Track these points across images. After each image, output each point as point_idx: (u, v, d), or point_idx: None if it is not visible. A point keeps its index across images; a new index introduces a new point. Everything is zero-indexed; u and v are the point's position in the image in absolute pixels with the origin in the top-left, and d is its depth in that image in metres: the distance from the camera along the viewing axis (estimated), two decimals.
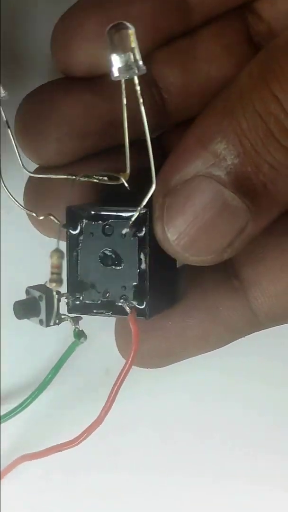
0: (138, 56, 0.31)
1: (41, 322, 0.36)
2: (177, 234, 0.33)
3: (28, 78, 0.39)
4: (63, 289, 0.35)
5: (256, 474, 0.46)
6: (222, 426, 0.46)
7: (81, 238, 0.35)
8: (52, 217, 0.35)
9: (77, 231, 0.35)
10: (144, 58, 0.31)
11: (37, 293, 0.36)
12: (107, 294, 0.35)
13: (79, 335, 0.37)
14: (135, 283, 0.35)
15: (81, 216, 0.35)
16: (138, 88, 0.31)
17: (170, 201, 0.33)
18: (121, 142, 0.37)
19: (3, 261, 0.44)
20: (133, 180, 0.34)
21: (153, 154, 0.33)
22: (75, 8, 0.37)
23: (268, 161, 0.31)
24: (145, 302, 0.34)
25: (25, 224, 0.38)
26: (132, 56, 0.30)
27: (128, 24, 0.30)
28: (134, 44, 0.30)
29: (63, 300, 0.35)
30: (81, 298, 0.35)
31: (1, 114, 0.33)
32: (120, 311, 0.35)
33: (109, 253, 0.35)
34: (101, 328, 0.38)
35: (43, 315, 0.35)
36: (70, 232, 0.35)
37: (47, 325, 0.35)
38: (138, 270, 0.34)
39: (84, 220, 0.35)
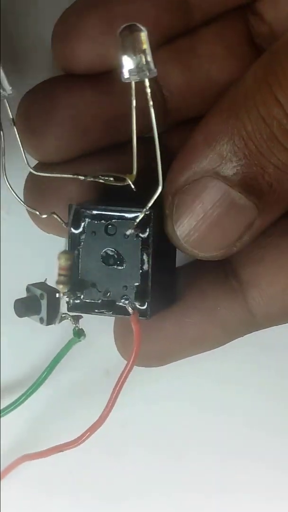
0: (149, 58, 0.31)
1: (41, 320, 0.35)
2: (187, 232, 0.34)
3: (29, 75, 0.39)
4: None
5: (256, 482, 0.47)
6: (222, 426, 0.46)
7: (82, 237, 0.35)
8: (55, 216, 0.35)
9: (80, 230, 0.35)
10: None
11: (38, 291, 0.35)
12: (108, 294, 0.35)
13: (79, 333, 0.37)
14: (137, 284, 0.35)
15: (83, 215, 0.35)
16: (148, 90, 0.31)
17: (179, 200, 0.34)
18: (122, 140, 0.37)
19: (3, 259, 0.44)
20: (135, 179, 0.34)
21: (153, 153, 0.33)
22: (76, 5, 0.37)
23: (273, 162, 0.32)
24: (146, 303, 0.35)
25: (25, 221, 0.38)
26: (143, 58, 0.30)
27: (141, 26, 0.30)
28: (146, 46, 0.30)
29: (64, 299, 0.35)
30: (81, 297, 0.35)
31: (8, 112, 0.33)
32: (120, 311, 0.35)
33: (111, 253, 0.35)
34: (101, 329, 0.38)
35: (43, 314, 0.35)
36: (72, 231, 0.35)
37: (48, 323, 0.35)
38: (140, 271, 0.34)
39: (86, 219, 0.35)
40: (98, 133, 0.37)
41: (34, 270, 0.37)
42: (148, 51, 0.30)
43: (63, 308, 0.36)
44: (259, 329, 0.39)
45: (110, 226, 0.35)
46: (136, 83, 0.32)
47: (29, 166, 0.35)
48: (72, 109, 0.37)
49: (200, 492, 0.46)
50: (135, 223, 0.34)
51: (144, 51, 0.30)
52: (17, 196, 0.35)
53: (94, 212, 0.35)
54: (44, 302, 0.35)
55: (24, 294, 0.36)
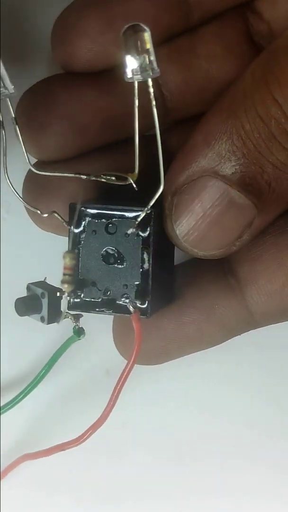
0: (153, 58, 0.31)
1: (42, 319, 0.35)
2: (186, 231, 0.34)
3: (29, 73, 0.39)
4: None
5: (256, 483, 0.47)
6: (222, 426, 0.46)
7: (83, 235, 0.35)
8: (56, 215, 0.35)
9: (80, 229, 0.35)
10: None
11: (39, 290, 0.35)
12: (108, 292, 0.35)
13: (79, 332, 0.37)
14: (137, 282, 0.35)
15: (84, 213, 0.35)
16: (151, 90, 0.31)
17: (178, 199, 0.34)
18: (121, 138, 0.37)
19: (3, 259, 0.44)
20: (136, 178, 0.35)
21: (152, 152, 0.33)
22: (76, 4, 0.37)
23: (272, 162, 0.32)
24: (147, 301, 0.35)
25: (25, 221, 0.38)
26: (147, 58, 0.30)
27: (145, 26, 0.30)
28: (149, 46, 0.30)
29: (64, 297, 0.35)
30: (81, 295, 0.35)
31: (10, 111, 0.33)
32: (120, 310, 0.35)
33: (111, 252, 0.35)
34: (101, 328, 0.38)
35: (44, 313, 0.35)
36: (72, 230, 0.35)
37: (49, 322, 0.35)
38: (141, 270, 0.35)
39: (87, 218, 0.35)
40: (97, 131, 0.37)
41: (34, 270, 0.37)
42: (152, 51, 0.31)
43: (63, 306, 0.36)
44: (258, 327, 0.39)
45: (110, 225, 0.35)
46: (137, 82, 0.32)
47: (30, 165, 0.34)
48: (71, 107, 0.37)
49: (200, 491, 0.46)
50: (137, 222, 0.34)
51: (147, 51, 0.30)
52: (18, 195, 0.35)
53: (95, 211, 0.35)
54: (45, 301, 0.35)
55: (24, 293, 0.36)
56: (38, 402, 0.44)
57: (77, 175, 0.34)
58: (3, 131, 0.34)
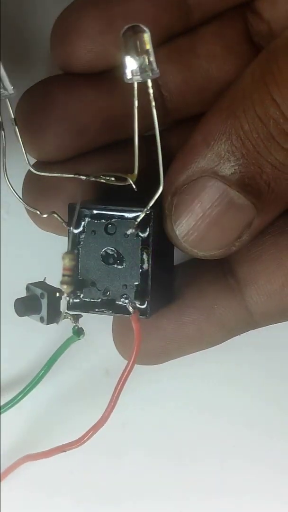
0: (152, 59, 0.31)
1: (41, 319, 0.35)
2: (186, 231, 0.34)
3: (28, 74, 0.39)
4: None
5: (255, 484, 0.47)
6: (222, 426, 0.46)
7: (82, 236, 0.35)
8: (55, 215, 0.35)
9: (80, 229, 0.35)
10: None
11: (38, 291, 0.35)
12: (108, 293, 0.35)
13: (79, 332, 0.37)
14: (136, 283, 0.35)
15: (83, 214, 0.35)
16: (151, 91, 0.31)
17: (178, 200, 0.34)
18: (121, 138, 0.37)
19: (3, 259, 0.44)
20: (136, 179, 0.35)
21: (152, 152, 0.33)
22: (75, 4, 0.37)
23: (271, 162, 0.32)
24: (146, 302, 0.35)
25: (25, 221, 0.38)
26: (146, 59, 0.30)
27: (144, 27, 0.30)
28: (149, 46, 0.30)
29: (63, 298, 0.35)
30: (81, 296, 0.35)
31: (9, 111, 0.33)
32: (120, 310, 0.35)
33: (110, 252, 0.35)
34: (100, 328, 0.38)
35: (44, 313, 0.35)
36: (72, 230, 0.35)
37: (48, 322, 0.35)
38: (140, 270, 0.35)
39: (86, 218, 0.35)
40: (97, 132, 0.37)
41: (34, 270, 0.37)
42: (151, 52, 0.31)
43: (63, 307, 0.36)
44: (257, 327, 0.39)
45: (110, 225, 0.35)
46: (137, 83, 0.32)
47: (30, 165, 0.34)
48: (70, 108, 0.37)
49: (200, 491, 0.46)
50: (136, 223, 0.34)
51: (147, 52, 0.30)
52: (18, 196, 0.35)
53: (94, 211, 0.35)
54: (44, 301, 0.35)
55: (24, 294, 0.36)
56: (38, 402, 0.44)
57: (76, 176, 0.34)
58: (3, 132, 0.34)
